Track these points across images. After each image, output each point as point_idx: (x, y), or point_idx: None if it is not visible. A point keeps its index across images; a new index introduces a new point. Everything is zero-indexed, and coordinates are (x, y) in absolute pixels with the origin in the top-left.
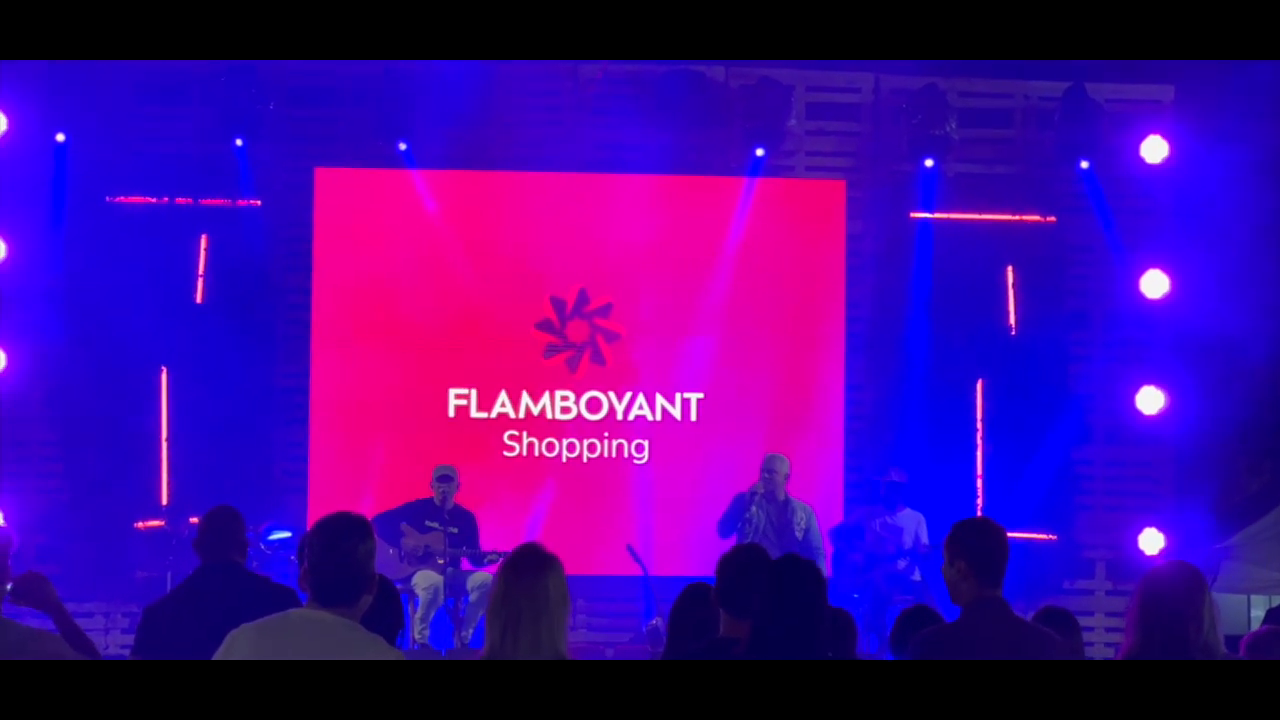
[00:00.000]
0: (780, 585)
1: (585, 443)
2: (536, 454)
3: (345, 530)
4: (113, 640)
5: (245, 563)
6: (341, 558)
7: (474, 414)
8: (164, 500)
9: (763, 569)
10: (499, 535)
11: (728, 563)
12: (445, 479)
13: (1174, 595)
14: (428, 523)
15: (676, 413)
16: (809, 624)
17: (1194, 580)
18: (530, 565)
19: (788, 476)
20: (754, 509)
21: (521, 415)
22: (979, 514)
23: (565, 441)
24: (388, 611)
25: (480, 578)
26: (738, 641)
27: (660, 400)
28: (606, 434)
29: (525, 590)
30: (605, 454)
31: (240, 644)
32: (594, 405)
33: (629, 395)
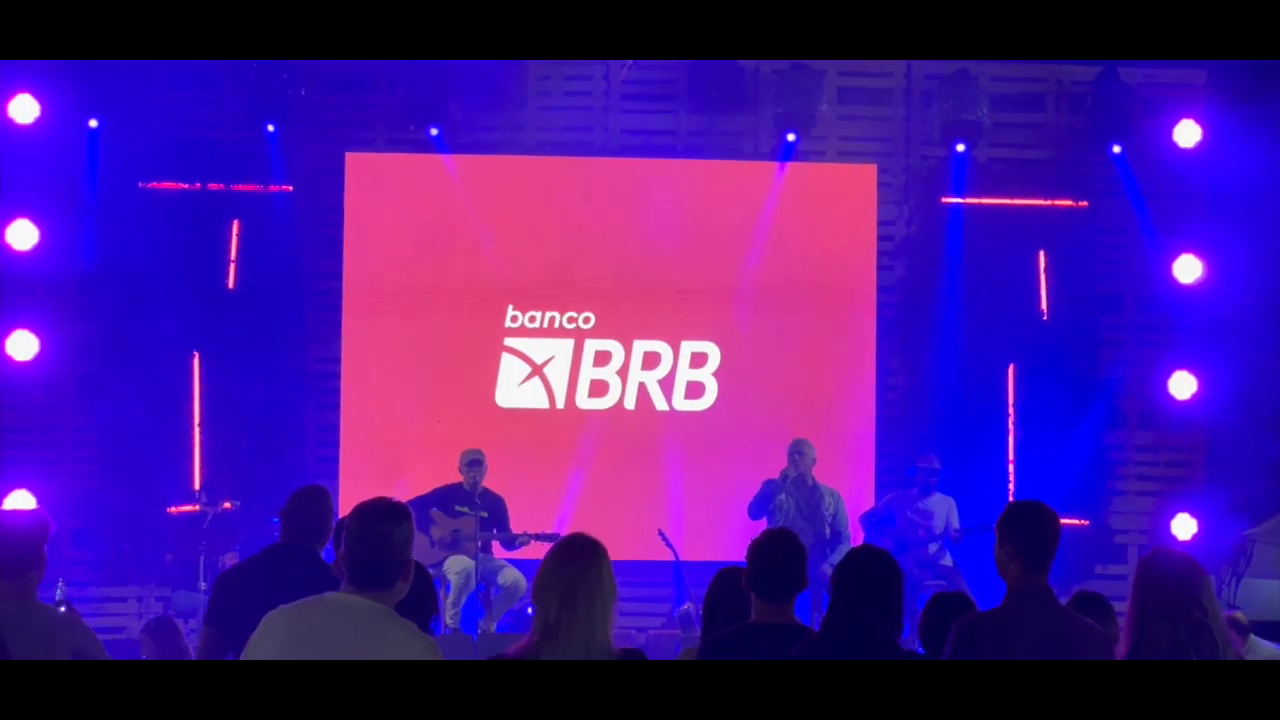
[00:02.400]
0: (857, 578)
1: (616, 428)
2: (568, 439)
3: (382, 515)
4: None
5: (319, 546)
6: (377, 541)
7: (507, 399)
8: (197, 485)
9: (795, 553)
10: (531, 520)
11: (759, 547)
12: (475, 464)
13: (1170, 581)
14: (457, 507)
15: (708, 398)
16: (884, 618)
17: (1190, 567)
18: (577, 554)
19: (814, 461)
20: (783, 495)
21: (553, 400)
22: (1011, 499)
23: (597, 427)
24: (424, 597)
25: (510, 575)
26: (769, 627)
27: (687, 385)
28: (637, 419)
29: (576, 578)
30: (636, 439)
31: (275, 626)
32: (624, 391)
33: (659, 380)
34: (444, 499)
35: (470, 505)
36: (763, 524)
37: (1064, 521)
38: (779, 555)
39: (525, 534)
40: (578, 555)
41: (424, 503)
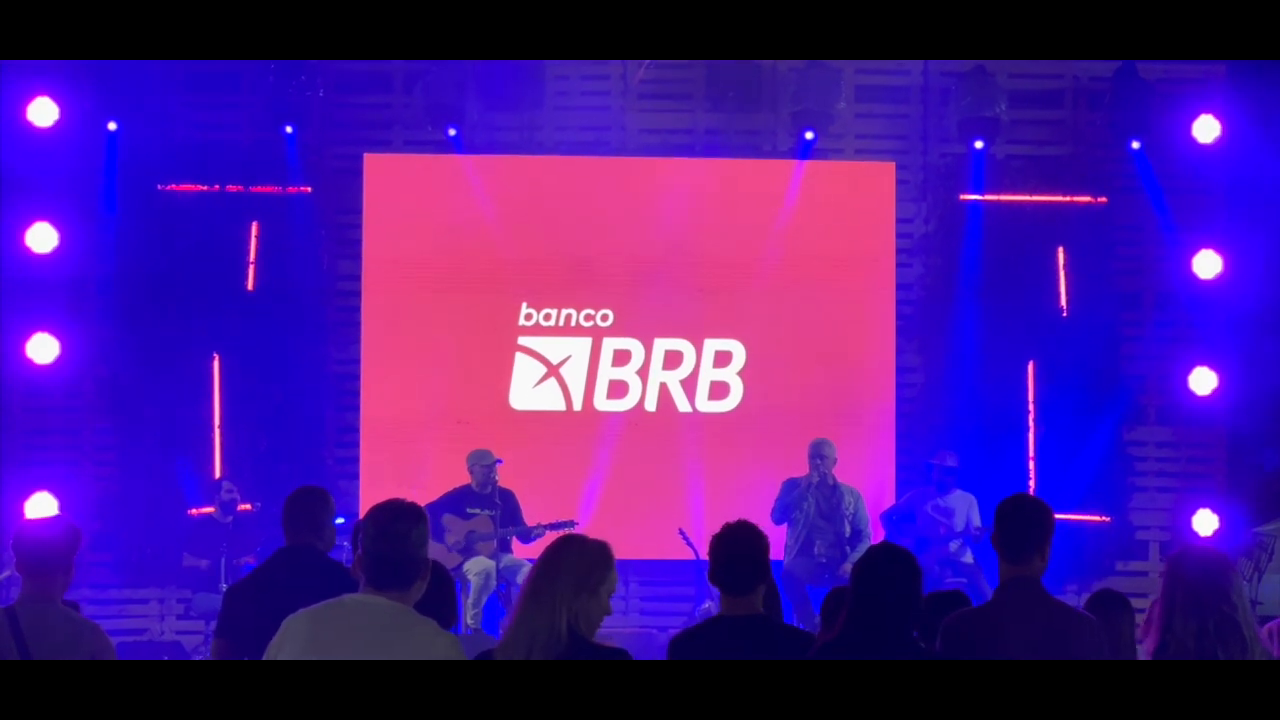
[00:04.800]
0: (877, 576)
1: (635, 429)
2: (587, 440)
3: (398, 515)
4: (168, 626)
5: (324, 544)
6: (394, 542)
7: (526, 400)
8: (217, 475)
9: (753, 545)
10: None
11: (718, 542)
12: (491, 466)
13: (1198, 576)
14: (469, 509)
15: (728, 399)
16: (904, 616)
17: (1219, 561)
18: (550, 549)
19: (835, 461)
20: (806, 496)
21: (572, 401)
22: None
23: (615, 427)
24: (442, 598)
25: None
26: (734, 620)
27: (710, 385)
28: (659, 421)
29: (539, 572)
30: (656, 439)
31: (295, 629)
32: (644, 391)
33: (679, 380)
34: (455, 503)
35: (483, 505)
36: (785, 529)
37: (1084, 518)
38: (736, 548)
39: (540, 525)
40: (550, 550)
41: (434, 509)
